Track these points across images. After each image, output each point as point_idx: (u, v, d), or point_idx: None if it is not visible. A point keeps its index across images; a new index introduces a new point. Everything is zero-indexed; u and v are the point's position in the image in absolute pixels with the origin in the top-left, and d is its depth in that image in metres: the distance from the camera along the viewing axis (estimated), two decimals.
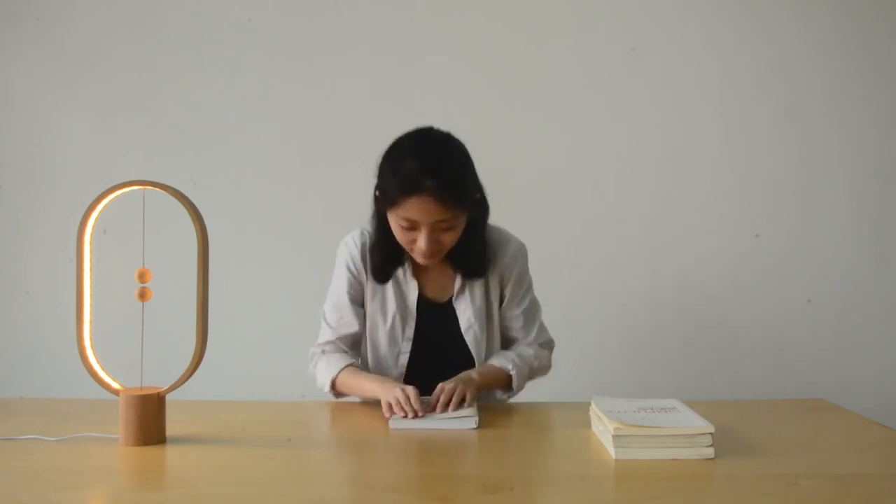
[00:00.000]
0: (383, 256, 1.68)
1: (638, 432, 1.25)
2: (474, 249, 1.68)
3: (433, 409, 1.52)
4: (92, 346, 1.35)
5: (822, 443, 1.39)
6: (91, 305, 1.35)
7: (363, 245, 1.71)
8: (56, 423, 1.43)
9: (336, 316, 1.72)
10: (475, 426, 1.44)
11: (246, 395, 1.93)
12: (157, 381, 1.40)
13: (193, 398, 1.56)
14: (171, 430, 1.37)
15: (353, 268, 1.71)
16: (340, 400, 1.70)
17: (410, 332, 1.69)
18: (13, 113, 2.73)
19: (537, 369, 1.77)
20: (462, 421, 1.45)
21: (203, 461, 1.25)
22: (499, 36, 2.59)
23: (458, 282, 1.70)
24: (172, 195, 1.34)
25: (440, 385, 1.58)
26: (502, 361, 1.69)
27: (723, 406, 1.61)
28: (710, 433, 1.25)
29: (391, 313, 1.69)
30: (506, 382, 1.70)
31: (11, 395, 1.80)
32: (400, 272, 1.70)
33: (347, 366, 1.67)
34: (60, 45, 2.71)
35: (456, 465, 1.26)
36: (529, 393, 1.82)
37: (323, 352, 1.73)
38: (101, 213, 1.33)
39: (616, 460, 1.24)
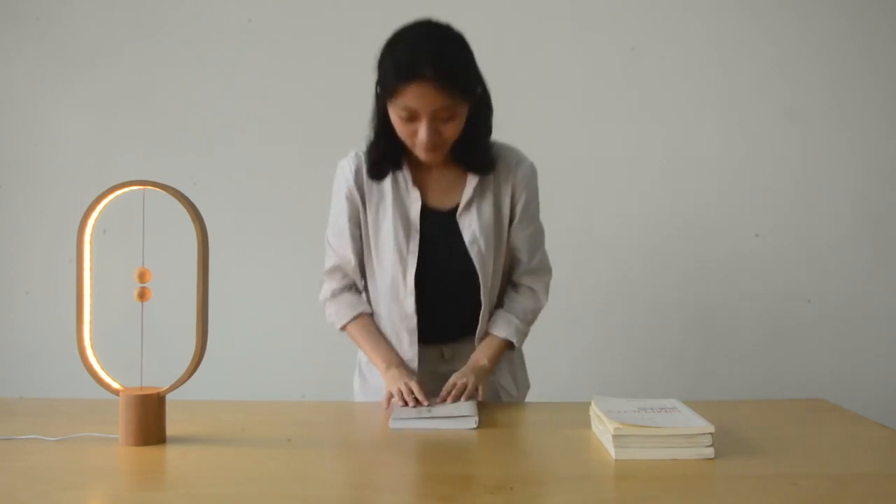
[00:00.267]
0: (382, 154, 1.62)
1: (638, 432, 1.25)
2: (479, 146, 1.62)
3: (443, 401, 1.55)
4: (92, 346, 1.35)
5: (822, 443, 1.39)
6: (91, 305, 1.34)
7: (357, 167, 1.66)
8: (56, 423, 1.43)
9: (337, 241, 1.70)
10: (475, 426, 1.44)
11: (246, 395, 1.94)
12: (157, 381, 1.40)
13: (193, 398, 1.56)
14: (171, 430, 1.37)
15: (349, 192, 1.66)
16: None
17: (415, 246, 1.62)
18: (13, 113, 2.74)
19: (535, 318, 1.76)
20: (462, 421, 1.45)
21: (203, 461, 1.25)
22: (499, 36, 2.59)
23: (465, 195, 1.63)
24: (172, 195, 1.34)
25: (452, 379, 1.59)
26: (507, 332, 1.68)
27: (723, 406, 1.60)
28: (710, 433, 1.25)
29: (394, 229, 1.63)
30: (510, 347, 1.72)
31: (11, 395, 1.80)
32: (402, 182, 1.65)
33: (359, 315, 1.69)
34: (60, 45, 2.71)
35: (456, 465, 1.26)
36: (529, 393, 1.83)
37: (333, 294, 1.72)
38: (101, 213, 1.33)
39: (616, 460, 1.24)
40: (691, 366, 2.66)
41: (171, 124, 2.70)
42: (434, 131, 1.50)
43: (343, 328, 1.71)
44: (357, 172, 1.66)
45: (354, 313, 1.70)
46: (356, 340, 1.72)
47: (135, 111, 2.71)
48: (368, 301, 1.74)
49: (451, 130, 1.53)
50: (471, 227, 1.63)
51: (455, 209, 1.64)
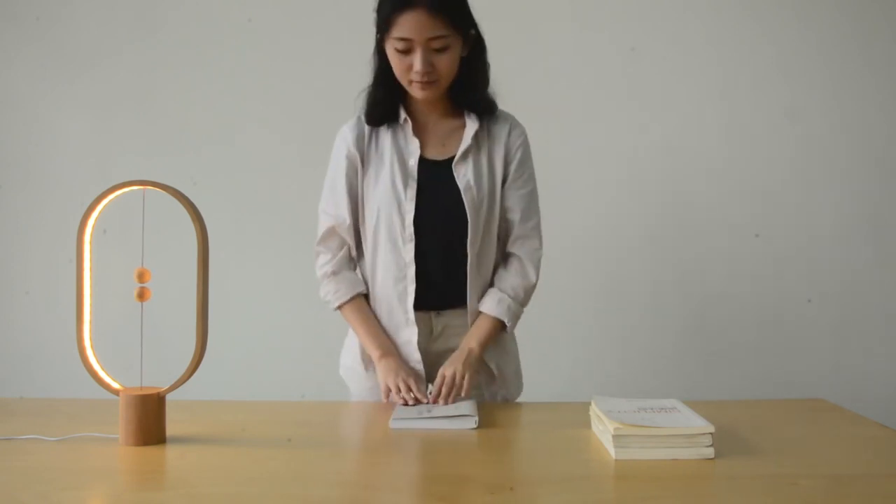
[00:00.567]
0: (380, 99, 1.67)
1: (638, 432, 1.25)
2: (478, 88, 1.68)
3: (435, 401, 1.56)
4: (92, 346, 1.35)
5: (822, 443, 1.39)
6: (91, 305, 1.34)
7: (360, 131, 1.70)
8: (56, 423, 1.43)
9: (333, 200, 1.72)
10: (475, 426, 1.44)
11: (246, 395, 1.94)
12: (157, 381, 1.40)
13: (193, 398, 1.56)
14: (171, 430, 1.37)
15: (348, 151, 1.69)
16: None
17: (412, 193, 1.65)
18: (13, 113, 2.74)
19: (528, 298, 1.76)
20: (462, 421, 1.45)
21: (203, 461, 1.25)
22: (499, 36, 2.59)
23: (462, 145, 1.67)
24: (172, 195, 1.34)
25: (441, 372, 1.60)
26: (497, 310, 1.69)
27: (723, 406, 1.60)
28: (710, 433, 1.25)
29: (392, 177, 1.66)
30: (502, 327, 1.71)
31: (11, 395, 1.80)
32: (400, 135, 1.69)
33: (357, 296, 1.71)
34: (60, 45, 2.71)
35: (456, 465, 1.26)
36: (529, 393, 1.82)
37: (334, 271, 1.72)
38: (101, 213, 1.33)
39: (616, 460, 1.24)
40: (691, 366, 2.66)
41: (171, 124, 2.70)
42: (427, 62, 1.55)
43: (339, 307, 1.72)
44: (359, 135, 1.70)
45: (353, 293, 1.71)
46: (351, 321, 1.72)
47: (135, 111, 2.71)
48: (363, 276, 1.76)
49: (445, 63, 1.58)
50: (466, 175, 1.67)
51: (451, 160, 1.68)
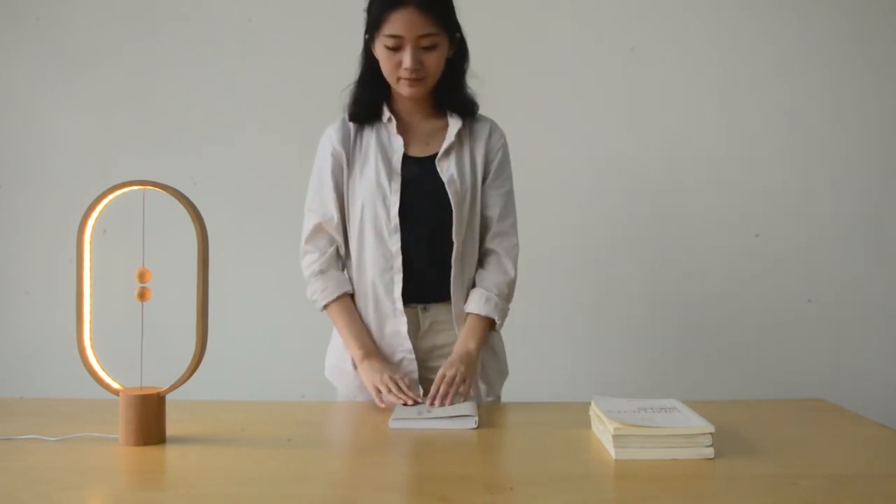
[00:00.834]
0: (366, 95, 1.71)
1: (638, 432, 1.25)
2: (460, 88, 1.74)
3: (433, 402, 1.56)
4: (92, 346, 1.35)
5: (822, 443, 1.39)
6: (91, 305, 1.35)
7: (345, 131, 1.74)
8: (56, 423, 1.43)
9: (319, 197, 1.75)
10: (475, 426, 1.44)
11: (246, 395, 1.94)
12: (157, 381, 1.40)
13: (193, 398, 1.56)
14: (171, 430, 1.37)
15: (333, 149, 1.73)
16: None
17: (397, 186, 1.69)
18: (13, 113, 2.74)
19: (511, 293, 1.78)
20: (462, 421, 1.46)
21: (203, 461, 1.25)
22: (499, 36, 2.59)
23: (446, 142, 1.71)
24: (172, 195, 1.34)
25: (441, 372, 1.61)
26: (487, 309, 1.71)
27: (723, 406, 1.60)
28: (710, 433, 1.25)
29: (376, 173, 1.69)
30: (491, 325, 1.74)
31: (11, 395, 1.80)
32: (384, 133, 1.72)
33: (343, 295, 1.72)
34: (60, 45, 2.71)
35: (456, 465, 1.26)
36: (530, 393, 1.82)
37: (321, 270, 1.74)
38: (101, 213, 1.33)
39: (616, 460, 1.24)
40: (691, 366, 2.66)
41: (171, 124, 2.70)
42: (417, 59, 1.60)
43: (325, 307, 1.73)
44: (344, 135, 1.74)
45: (340, 292, 1.72)
46: (336, 321, 1.74)
47: (135, 111, 2.71)
48: (349, 273, 1.77)
49: (433, 61, 1.63)
50: (449, 170, 1.71)
51: (434, 157, 1.72)
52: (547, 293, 2.61)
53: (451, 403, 1.56)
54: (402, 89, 1.65)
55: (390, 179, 1.69)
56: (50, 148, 2.73)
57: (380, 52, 1.63)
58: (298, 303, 2.37)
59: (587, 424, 1.43)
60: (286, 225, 2.66)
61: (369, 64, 1.70)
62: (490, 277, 1.75)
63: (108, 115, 2.72)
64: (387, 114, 1.72)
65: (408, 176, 1.70)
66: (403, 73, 1.62)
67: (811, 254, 2.65)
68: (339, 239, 1.75)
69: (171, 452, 1.30)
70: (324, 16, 2.65)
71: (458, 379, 1.60)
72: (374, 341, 1.71)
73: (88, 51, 2.71)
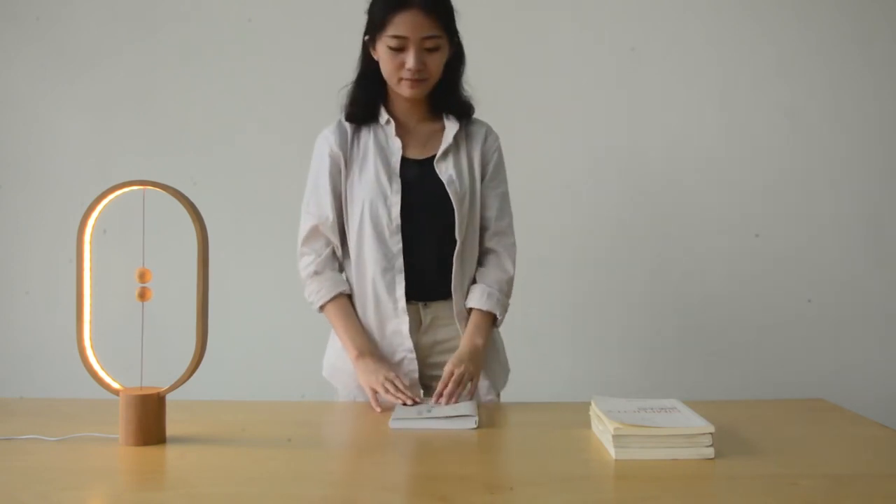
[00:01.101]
0: (364, 96, 1.72)
1: (638, 432, 1.25)
2: (457, 91, 1.75)
3: (439, 399, 1.57)
4: (92, 346, 1.35)
5: (822, 443, 1.39)
6: (91, 305, 1.35)
7: (342, 134, 1.74)
8: (56, 423, 1.43)
9: (315, 199, 1.75)
10: (475, 426, 1.44)
11: (246, 395, 1.94)
12: (157, 381, 1.40)
13: (193, 398, 1.56)
14: (171, 430, 1.37)
15: (331, 151, 1.73)
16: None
17: (398, 186, 1.69)
18: (13, 113, 2.74)
19: (510, 289, 1.80)
20: (462, 421, 1.46)
21: (203, 461, 1.25)
22: (499, 36, 2.59)
23: (443, 144, 1.73)
24: (172, 195, 1.34)
25: (448, 368, 1.61)
26: (489, 304, 1.72)
27: (723, 406, 1.60)
28: (710, 433, 1.25)
29: (376, 174, 1.70)
30: (493, 321, 1.75)
31: (11, 395, 1.80)
32: (382, 136, 1.73)
33: (339, 295, 1.72)
34: (60, 45, 2.71)
35: (456, 465, 1.26)
36: (530, 393, 1.82)
37: (316, 271, 1.75)
38: (101, 213, 1.33)
39: (616, 460, 1.24)
40: (691, 366, 2.66)
41: (171, 124, 2.70)
42: (420, 60, 1.62)
43: (322, 307, 1.73)
44: (341, 137, 1.74)
45: (336, 292, 1.73)
46: (332, 321, 1.74)
47: (135, 111, 2.71)
48: (347, 274, 1.77)
49: (435, 64, 1.65)
50: (448, 171, 1.72)
51: (432, 158, 1.73)
52: (547, 293, 2.61)
53: (458, 402, 1.57)
54: (403, 90, 1.66)
55: (390, 181, 1.70)
56: (50, 148, 2.73)
57: (382, 52, 1.64)
58: (298, 303, 2.37)
59: (587, 424, 1.43)
60: (286, 225, 2.66)
61: (367, 65, 1.71)
62: (491, 274, 1.77)
63: (108, 115, 2.71)
64: (385, 116, 1.73)
65: (407, 177, 1.71)
66: (406, 74, 1.63)
67: (811, 254, 2.65)
68: (336, 240, 1.75)
69: (171, 452, 1.30)
70: (324, 16, 2.65)
71: (465, 377, 1.61)
72: (370, 340, 1.71)
73: (88, 51, 2.71)
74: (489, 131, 1.81)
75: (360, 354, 1.67)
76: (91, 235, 1.33)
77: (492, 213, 1.78)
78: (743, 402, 1.72)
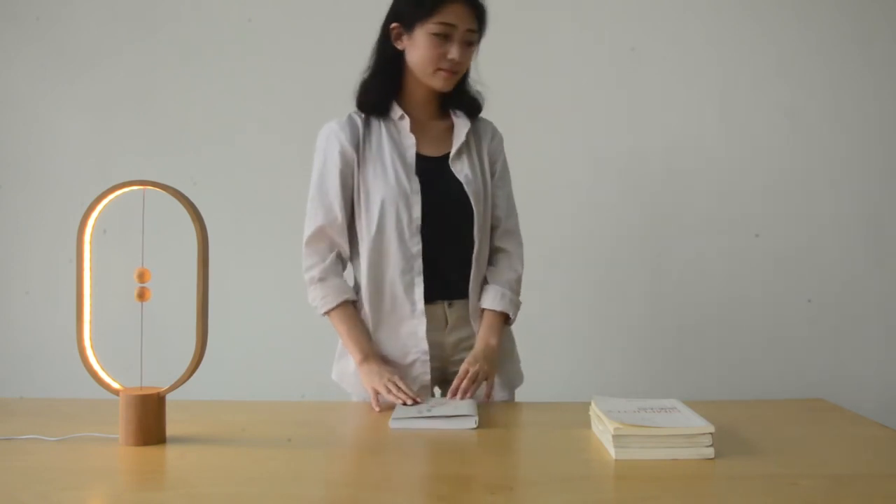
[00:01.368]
0: (379, 86, 1.70)
1: (638, 432, 1.25)
2: (469, 89, 1.77)
3: (454, 394, 1.60)
4: (92, 346, 1.35)
5: (822, 443, 1.39)
6: (91, 305, 1.34)
7: (353, 128, 1.70)
8: (56, 423, 1.43)
9: (324, 197, 1.70)
10: (475, 426, 1.44)
11: (246, 395, 1.94)
12: (157, 381, 1.40)
13: (193, 398, 1.56)
14: (171, 430, 1.37)
15: (342, 148, 1.69)
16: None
17: (417, 185, 1.67)
18: (13, 113, 2.74)
19: (520, 288, 1.81)
20: (462, 421, 1.46)
21: (203, 461, 1.25)
22: (498, 36, 2.59)
23: (456, 142, 1.72)
24: (172, 195, 1.34)
25: (464, 367, 1.63)
26: (502, 304, 1.73)
27: (723, 406, 1.60)
28: (710, 433, 1.25)
29: (395, 172, 1.67)
30: (505, 320, 1.76)
31: (11, 395, 1.80)
32: (394, 132, 1.71)
33: (344, 302, 1.70)
34: (60, 45, 2.71)
35: (456, 465, 1.26)
36: (529, 393, 1.82)
37: (321, 277, 1.71)
38: (101, 213, 1.33)
39: (616, 460, 1.24)
40: (691, 366, 2.66)
41: (171, 124, 2.70)
42: (462, 52, 1.63)
43: (326, 313, 1.72)
44: (353, 132, 1.70)
45: (340, 300, 1.70)
46: (337, 327, 1.73)
47: (135, 111, 2.71)
48: (355, 280, 1.76)
49: (468, 58, 1.67)
50: (463, 170, 1.71)
51: (445, 157, 1.72)
52: (547, 293, 2.61)
53: (472, 397, 1.60)
54: (437, 81, 1.65)
55: (409, 179, 1.67)
56: (50, 148, 2.73)
57: (422, 40, 1.62)
58: (298, 303, 2.37)
59: (587, 424, 1.43)
60: (286, 225, 2.66)
61: (386, 55, 1.69)
62: (503, 274, 1.76)
63: (108, 115, 2.72)
64: (398, 111, 1.71)
65: (424, 175, 1.69)
66: (446, 65, 1.63)
67: (811, 254, 2.65)
68: (342, 241, 1.72)
69: (171, 452, 1.30)
70: (324, 16, 2.66)
71: (480, 376, 1.62)
72: (374, 345, 1.70)
73: (88, 51, 2.71)
74: (494, 130, 1.81)
75: (365, 358, 1.66)
76: (91, 235, 1.33)
77: (501, 211, 1.78)
78: (743, 402, 1.72)
